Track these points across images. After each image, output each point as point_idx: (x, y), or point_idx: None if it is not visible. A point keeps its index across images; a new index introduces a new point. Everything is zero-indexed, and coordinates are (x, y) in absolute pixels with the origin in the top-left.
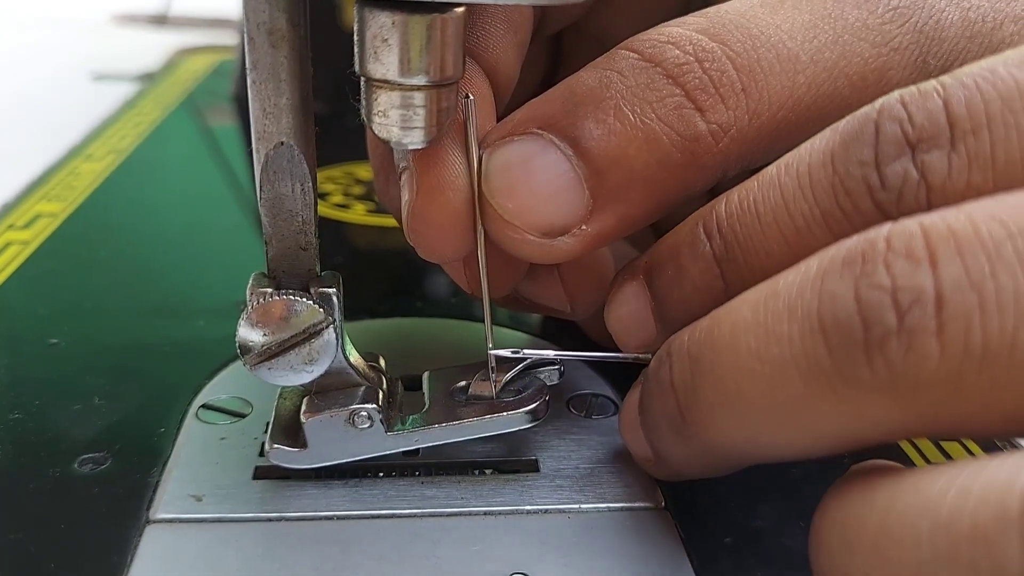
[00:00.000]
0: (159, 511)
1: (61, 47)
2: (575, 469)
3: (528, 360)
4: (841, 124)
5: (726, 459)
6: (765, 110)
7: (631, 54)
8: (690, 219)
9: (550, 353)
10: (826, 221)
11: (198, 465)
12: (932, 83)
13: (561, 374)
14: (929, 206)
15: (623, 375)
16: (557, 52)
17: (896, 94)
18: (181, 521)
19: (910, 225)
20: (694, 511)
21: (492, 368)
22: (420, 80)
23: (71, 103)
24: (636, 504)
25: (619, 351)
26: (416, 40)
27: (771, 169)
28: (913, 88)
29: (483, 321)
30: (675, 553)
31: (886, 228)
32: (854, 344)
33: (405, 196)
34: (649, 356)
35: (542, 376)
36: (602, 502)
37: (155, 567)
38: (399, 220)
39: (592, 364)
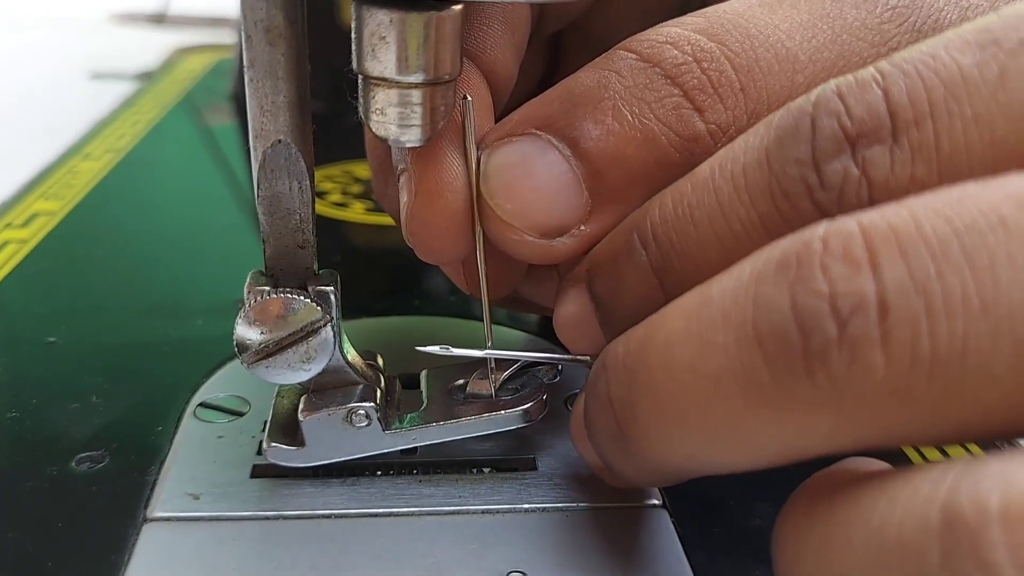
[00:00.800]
0: (157, 509)
1: (60, 46)
2: (573, 467)
3: (523, 361)
4: (775, 118)
5: (673, 473)
6: (764, 110)
7: (629, 54)
8: (625, 224)
9: (492, 352)
10: (764, 224)
11: (196, 463)
12: (870, 71)
13: (559, 372)
14: (871, 204)
15: None
16: (555, 53)
17: (832, 84)
18: (179, 519)
19: (848, 224)
20: (692, 509)
21: (491, 368)
22: (418, 78)
23: (69, 102)
24: (634, 502)
25: None
26: (414, 38)
27: (704, 169)
28: (849, 77)
29: (481, 320)
30: (673, 551)
31: (822, 228)
32: (792, 355)
33: (404, 198)
34: (587, 359)
35: (540, 374)
36: (600, 500)
37: (153, 565)
38: (397, 221)
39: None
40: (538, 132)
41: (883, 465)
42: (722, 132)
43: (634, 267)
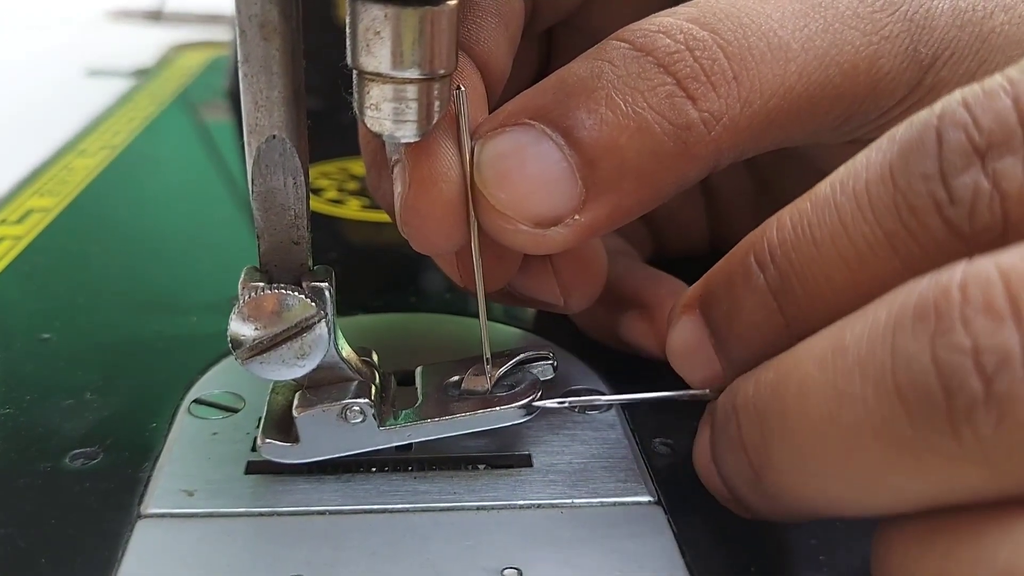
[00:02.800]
0: (150, 506)
1: (56, 43)
2: (568, 464)
3: (522, 356)
4: (898, 132)
5: (808, 514)
6: (757, 98)
7: (622, 44)
8: (741, 246)
9: (602, 399)
10: (891, 243)
11: (190, 460)
12: (997, 79)
13: (555, 369)
14: (1006, 219)
15: (617, 370)
16: (549, 49)
17: (957, 95)
18: (172, 516)
19: (986, 268)
20: (687, 506)
21: (487, 359)
22: (413, 73)
23: (65, 98)
24: (629, 499)
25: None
26: (409, 33)
27: (823, 187)
28: (975, 87)
29: (477, 316)
30: (668, 547)
31: (959, 273)
32: (936, 412)
33: (398, 188)
34: (707, 393)
35: (535, 371)
36: (595, 497)
37: (146, 562)
38: (391, 215)
39: (587, 360)
40: (532, 122)
41: None
42: (715, 120)
43: (751, 291)
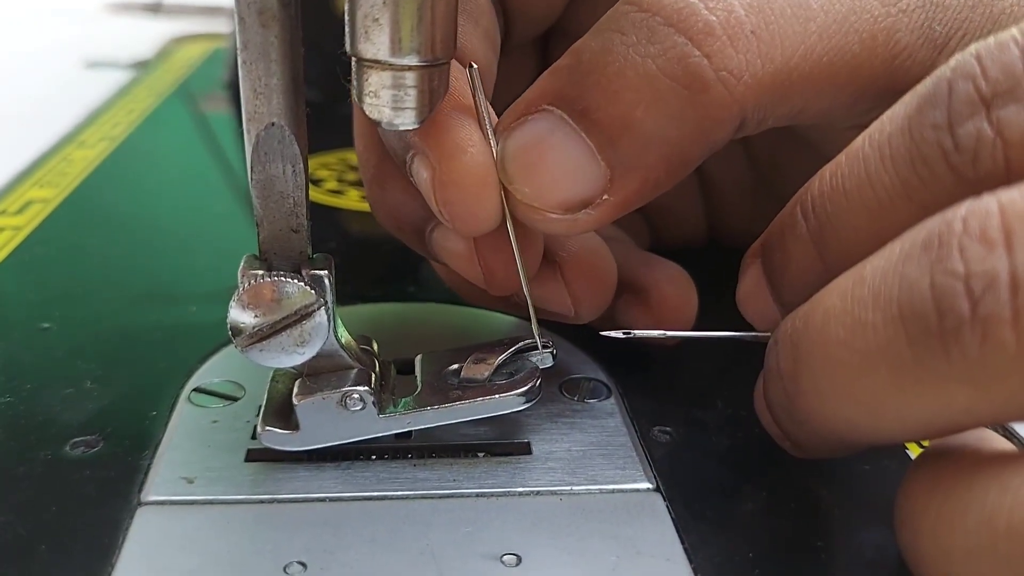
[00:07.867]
0: (151, 493)
1: (55, 35)
2: (567, 452)
3: (521, 344)
4: (920, 86)
5: (840, 443)
6: (778, 55)
7: (629, 7)
8: (793, 198)
9: (670, 332)
10: (906, 191)
11: (190, 448)
12: (1012, 32)
13: (554, 357)
14: (1008, 165)
15: (617, 359)
16: (546, 57)
17: (972, 48)
18: (173, 503)
19: (988, 203)
20: (686, 493)
21: (540, 344)
22: (412, 60)
23: (65, 90)
24: (628, 486)
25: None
26: (407, 19)
27: (858, 141)
28: (990, 40)
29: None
30: (667, 534)
31: (964, 207)
32: (929, 334)
33: (424, 174)
34: (768, 335)
35: (535, 359)
36: (594, 484)
37: (146, 549)
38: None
39: (587, 348)
40: (551, 108)
41: (1005, 444)
42: (735, 79)
43: (797, 239)
